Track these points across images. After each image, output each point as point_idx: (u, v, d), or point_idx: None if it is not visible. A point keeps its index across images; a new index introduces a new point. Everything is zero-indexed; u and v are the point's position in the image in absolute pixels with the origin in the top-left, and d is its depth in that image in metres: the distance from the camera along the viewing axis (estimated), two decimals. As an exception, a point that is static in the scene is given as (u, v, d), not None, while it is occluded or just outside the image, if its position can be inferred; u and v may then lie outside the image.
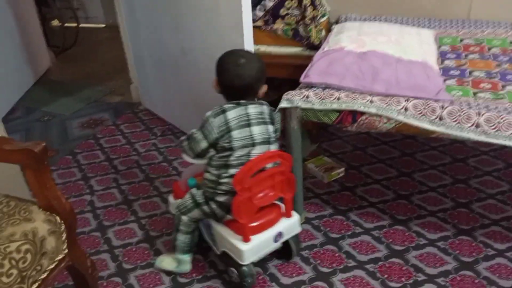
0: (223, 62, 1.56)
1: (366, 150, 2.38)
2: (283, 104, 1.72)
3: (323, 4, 2.49)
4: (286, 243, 1.68)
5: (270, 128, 1.59)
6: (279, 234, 1.60)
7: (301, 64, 1.97)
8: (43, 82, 3.46)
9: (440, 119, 1.53)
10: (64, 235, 1.30)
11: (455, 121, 1.51)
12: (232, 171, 1.52)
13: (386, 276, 1.64)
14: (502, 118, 1.47)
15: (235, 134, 1.52)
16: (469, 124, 1.50)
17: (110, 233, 1.93)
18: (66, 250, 1.31)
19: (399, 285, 1.60)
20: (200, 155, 1.57)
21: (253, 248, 1.54)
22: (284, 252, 1.71)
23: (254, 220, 1.55)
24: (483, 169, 2.16)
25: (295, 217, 1.66)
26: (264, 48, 2.42)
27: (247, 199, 1.49)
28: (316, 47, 2.22)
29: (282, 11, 2.38)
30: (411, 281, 1.61)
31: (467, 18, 2.31)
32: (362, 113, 1.64)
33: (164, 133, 2.66)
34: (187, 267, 1.68)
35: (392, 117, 1.59)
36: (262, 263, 1.72)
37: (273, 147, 1.59)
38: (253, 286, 1.60)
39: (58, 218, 1.29)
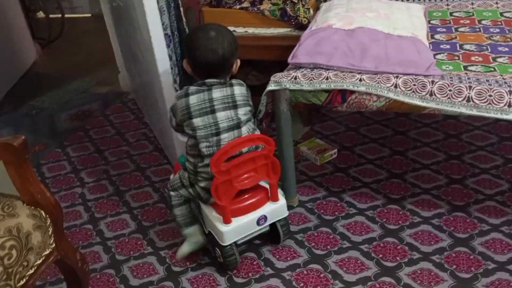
0: (192, 39, 1.51)
1: (358, 130, 2.35)
2: (271, 86, 1.68)
3: (311, -18, 2.42)
4: (275, 227, 1.67)
5: (241, 111, 1.52)
6: (263, 218, 1.59)
7: (290, 45, 1.93)
8: (29, 76, 3.40)
9: (431, 94, 1.50)
10: (51, 230, 1.27)
11: (446, 96, 1.48)
12: (207, 160, 1.50)
13: (381, 255, 1.63)
14: (493, 91, 1.44)
15: (197, 121, 1.49)
16: (460, 99, 1.47)
17: (102, 225, 1.90)
18: (53, 245, 1.28)
19: (394, 264, 1.59)
20: (177, 130, 1.61)
21: (233, 230, 1.55)
22: (274, 236, 1.70)
23: (236, 203, 1.55)
24: (476, 144, 2.14)
25: (281, 201, 1.63)
26: (252, 30, 2.37)
27: (227, 181, 1.48)
28: (304, 27, 2.17)
29: (269, -9, 2.32)
30: (406, 260, 1.60)
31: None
32: (352, 92, 1.61)
33: (154, 121, 2.62)
34: (198, 237, 1.66)
35: (382, 94, 1.56)
36: (256, 247, 1.71)
37: (245, 129, 1.54)
38: (238, 267, 1.63)
39: (43, 212, 1.26)
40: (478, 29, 1.92)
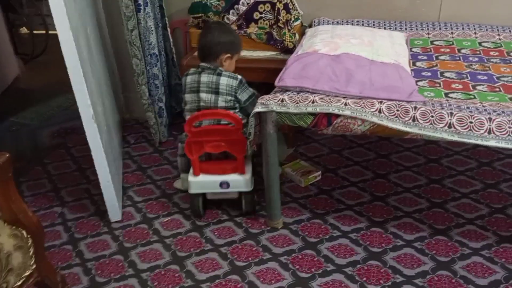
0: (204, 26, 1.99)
1: (342, 152, 2.38)
2: (258, 108, 1.70)
3: (296, 8, 2.49)
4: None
5: (222, 98, 1.82)
6: (225, 183, 1.89)
7: (276, 68, 1.97)
8: (11, 91, 3.35)
9: (413, 120, 1.54)
10: (32, 250, 1.24)
11: (428, 121, 1.52)
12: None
13: (364, 279, 1.63)
14: (473, 118, 1.49)
15: (187, 97, 1.88)
16: (442, 125, 1.51)
17: (82, 246, 1.86)
18: (34, 266, 1.25)
19: (378, 287, 1.60)
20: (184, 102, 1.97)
21: (198, 182, 1.91)
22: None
23: (207, 163, 1.92)
24: (457, 168, 2.19)
25: (247, 176, 1.89)
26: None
27: (198, 142, 1.84)
28: (290, 51, 2.22)
29: (256, 15, 2.37)
30: (389, 283, 1.61)
31: (437, 21, 2.36)
32: (337, 116, 1.64)
33: (138, 140, 2.60)
34: (186, 184, 1.98)
35: (367, 119, 1.59)
36: (240, 270, 1.69)
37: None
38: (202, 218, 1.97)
39: (24, 232, 1.23)
40: (458, 58, 1.99)
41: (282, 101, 1.68)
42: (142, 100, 2.42)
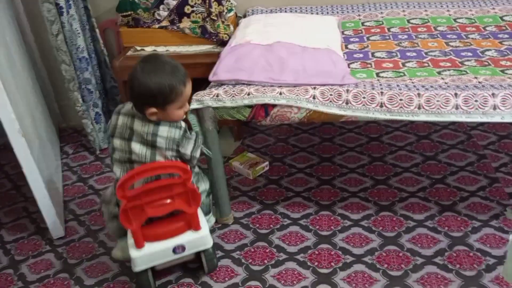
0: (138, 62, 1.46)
1: (288, 140, 2.39)
2: (193, 105, 1.66)
3: (228, -1, 2.45)
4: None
5: (159, 153, 1.43)
6: (180, 247, 1.51)
7: (213, 62, 1.92)
8: None
9: (347, 103, 1.56)
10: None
11: (361, 103, 1.54)
12: None
13: (316, 263, 1.65)
14: (403, 95, 1.53)
15: (116, 142, 1.48)
16: (374, 105, 1.54)
17: (24, 268, 1.76)
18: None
19: (330, 270, 1.62)
20: (108, 141, 1.62)
21: (145, 255, 1.49)
22: (202, 265, 1.63)
23: (151, 228, 1.50)
24: (397, 144, 2.26)
25: (203, 231, 1.53)
26: (173, 49, 2.34)
27: (138, 206, 1.43)
28: (226, 43, 2.18)
29: (187, 9, 2.31)
30: (340, 265, 1.64)
31: (366, 2, 2.39)
32: (274, 106, 1.63)
33: (77, 149, 2.49)
34: (127, 251, 1.53)
35: (302, 106, 1.59)
36: (193, 272, 1.66)
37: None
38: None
39: None
40: (388, 37, 2.04)
41: (217, 96, 1.65)
42: (76, 107, 2.31)
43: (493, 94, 1.47)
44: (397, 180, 2.02)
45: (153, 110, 1.40)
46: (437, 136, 2.28)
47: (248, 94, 1.63)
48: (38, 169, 1.76)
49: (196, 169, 1.66)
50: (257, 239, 1.79)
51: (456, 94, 1.49)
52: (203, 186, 1.70)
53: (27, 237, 1.92)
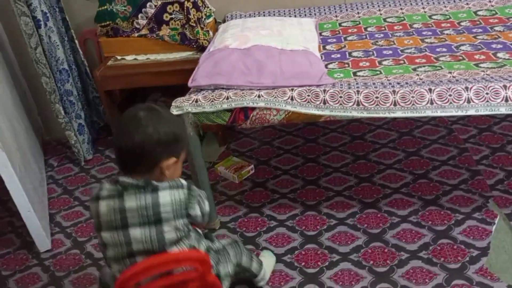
0: (120, 119, 1.17)
1: (272, 143, 2.40)
2: (173, 112, 1.66)
3: (207, 5, 2.46)
4: None
5: (168, 227, 1.11)
6: None
7: (194, 68, 1.93)
8: None
9: (324, 103, 1.57)
10: None
11: (338, 102, 1.56)
12: None
13: (303, 263, 1.66)
14: (379, 93, 1.54)
15: (106, 237, 1.11)
16: (351, 103, 1.55)
17: (11, 283, 1.75)
18: None
19: (316, 269, 1.63)
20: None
21: None
22: None
23: None
24: (379, 142, 2.28)
25: None
26: (154, 57, 2.35)
27: None
28: (206, 49, 2.20)
29: (166, 16, 2.32)
30: (326, 264, 1.65)
31: (343, 3, 2.42)
32: (253, 109, 1.64)
33: (61, 162, 2.48)
34: None
35: (281, 108, 1.60)
36: None
37: (177, 250, 1.15)
38: None
39: None
40: (364, 36, 2.06)
41: (196, 101, 1.66)
42: (59, 119, 2.30)
43: (466, 87, 1.49)
44: (380, 177, 2.04)
45: (173, 159, 1.14)
46: (418, 132, 2.31)
47: (227, 98, 1.64)
48: (21, 183, 1.75)
49: (216, 245, 1.38)
50: (244, 242, 1.79)
51: (430, 89, 1.51)
52: (226, 267, 1.34)
53: (13, 251, 1.90)
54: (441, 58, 1.75)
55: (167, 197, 1.11)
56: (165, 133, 1.11)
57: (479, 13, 2.14)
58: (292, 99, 1.60)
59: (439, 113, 1.52)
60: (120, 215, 1.09)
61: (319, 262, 1.66)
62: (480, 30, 1.97)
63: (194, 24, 2.29)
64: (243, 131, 2.53)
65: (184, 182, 1.17)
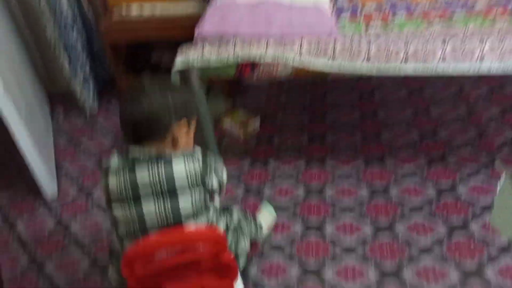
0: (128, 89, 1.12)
1: (279, 99, 2.37)
2: (178, 66, 1.63)
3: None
4: None
5: (184, 200, 1.05)
6: None
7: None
8: None
9: (333, 58, 1.53)
10: None
11: (347, 58, 1.52)
12: None
13: (305, 214, 1.68)
14: (390, 48, 1.50)
15: (117, 213, 1.07)
16: (361, 59, 1.51)
17: (20, 226, 1.78)
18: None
19: (320, 219, 1.65)
20: None
21: None
22: None
23: None
24: (389, 99, 2.24)
25: None
26: (160, 6, 2.28)
27: (150, 279, 1.07)
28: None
29: (172, -35, 2.24)
30: (329, 215, 1.66)
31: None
32: (260, 63, 1.61)
33: (67, 114, 2.48)
34: None
35: (288, 62, 1.57)
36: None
37: (194, 224, 1.09)
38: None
39: None
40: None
41: (202, 54, 1.62)
42: (64, 69, 2.28)
43: (480, 44, 1.45)
44: (387, 134, 2.02)
45: (185, 125, 1.09)
46: (429, 90, 2.27)
47: (234, 52, 1.60)
48: (27, 131, 1.75)
49: (235, 220, 1.30)
50: (248, 193, 1.81)
51: (443, 44, 1.47)
52: (244, 244, 1.28)
53: (21, 197, 1.94)
54: (456, 14, 1.69)
55: (182, 169, 1.05)
56: (172, 98, 1.06)
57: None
58: (300, 53, 1.56)
59: (450, 70, 1.48)
60: (131, 190, 1.04)
61: (322, 213, 1.67)
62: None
63: (201, -26, 2.21)
64: (249, 86, 2.50)
65: (198, 151, 1.11)
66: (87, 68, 2.37)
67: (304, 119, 2.20)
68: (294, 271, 1.48)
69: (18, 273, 1.60)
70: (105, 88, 2.57)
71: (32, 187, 1.97)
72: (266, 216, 1.63)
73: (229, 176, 1.89)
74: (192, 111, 1.13)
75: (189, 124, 1.12)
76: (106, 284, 1.52)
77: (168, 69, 1.85)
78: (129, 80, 2.28)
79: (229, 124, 2.20)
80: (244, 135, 2.15)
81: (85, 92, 2.37)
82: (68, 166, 2.09)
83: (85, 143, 2.23)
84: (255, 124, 2.18)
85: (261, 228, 1.48)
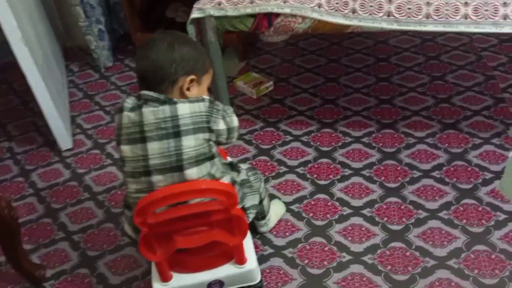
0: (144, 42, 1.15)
1: (293, 61, 2.35)
2: (194, 14, 1.62)
3: None
4: None
5: (188, 140, 1.06)
6: (217, 282, 1.21)
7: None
8: None
9: (353, 12, 1.51)
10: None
11: (367, 12, 1.49)
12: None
13: (315, 176, 1.69)
14: (412, 4, 1.47)
15: (125, 150, 1.09)
16: (381, 14, 1.48)
17: (35, 177, 1.84)
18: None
19: (328, 181, 1.66)
20: None
21: None
22: None
23: (180, 256, 1.18)
24: (405, 65, 2.21)
25: (250, 265, 1.22)
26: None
27: (161, 234, 1.11)
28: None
29: None
30: (338, 177, 1.68)
31: None
32: (277, 15, 1.59)
33: (82, 68, 2.49)
34: None
35: (307, 15, 1.55)
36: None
37: (196, 171, 1.08)
38: None
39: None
40: None
41: (219, 4, 1.60)
42: (79, 23, 2.27)
43: (504, 3, 1.41)
44: (402, 99, 2.00)
45: (192, 76, 1.10)
46: (446, 57, 2.22)
47: (251, 2, 1.58)
48: (43, 81, 1.77)
49: (242, 177, 1.27)
50: (259, 153, 1.83)
51: (466, 3, 1.43)
52: (252, 199, 1.28)
53: (36, 148, 1.98)
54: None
55: (186, 108, 1.06)
56: (180, 49, 1.09)
57: None
58: (319, 6, 1.53)
59: (472, 29, 1.45)
60: (139, 128, 1.07)
61: (331, 175, 1.69)
62: None
63: None
64: (264, 48, 2.48)
65: (206, 96, 1.13)
66: (103, 21, 2.35)
67: (318, 82, 2.18)
68: (301, 231, 1.51)
69: (34, 219, 1.65)
70: (119, 43, 2.56)
71: (47, 139, 2.01)
72: (277, 207, 1.56)
73: (241, 135, 1.92)
74: (202, 67, 1.13)
75: (199, 79, 1.12)
76: (119, 233, 1.57)
77: (183, 24, 1.84)
78: (144, 35, 2.27)
79: (242, 84, 2.19)
80: (257, 94, 2.14)
81: (100, 47, 2.37)
82: (83, 119, 2.12)
83: (99, 97, 2.25)
84: (268, 85, 2.17)
85: (270, 205, 1.47)
